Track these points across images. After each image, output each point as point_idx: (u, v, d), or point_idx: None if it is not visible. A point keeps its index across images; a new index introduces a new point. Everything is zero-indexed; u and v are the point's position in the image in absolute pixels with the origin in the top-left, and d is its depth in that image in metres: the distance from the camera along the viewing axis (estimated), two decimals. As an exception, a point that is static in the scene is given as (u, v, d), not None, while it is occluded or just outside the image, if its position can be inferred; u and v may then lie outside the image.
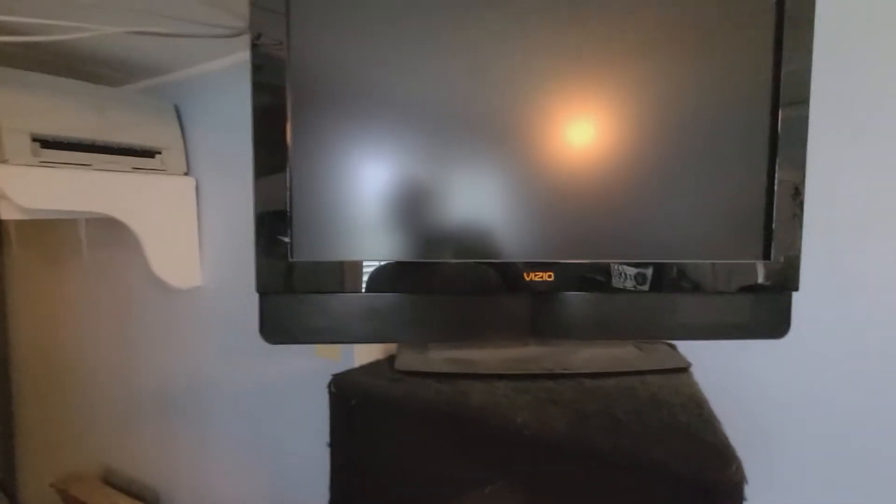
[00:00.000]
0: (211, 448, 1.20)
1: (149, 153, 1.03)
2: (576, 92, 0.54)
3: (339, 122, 0.53)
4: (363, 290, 0.53)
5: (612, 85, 0.55)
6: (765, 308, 0.57)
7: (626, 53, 0.55)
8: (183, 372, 1.22)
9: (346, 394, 0.49)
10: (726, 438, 0.37)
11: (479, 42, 0.54)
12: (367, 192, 0.53)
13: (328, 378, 0.53)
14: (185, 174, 1.11)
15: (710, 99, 0.56)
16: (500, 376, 0.49)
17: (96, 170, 0.92)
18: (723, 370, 0.65)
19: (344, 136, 0.53)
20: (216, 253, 1.11)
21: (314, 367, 0.99)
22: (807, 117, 0.55)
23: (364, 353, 0.69)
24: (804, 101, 0.55)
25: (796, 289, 0.56)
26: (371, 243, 0.53)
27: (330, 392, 0.49)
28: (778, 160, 0.55)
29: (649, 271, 0.55)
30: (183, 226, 1.08)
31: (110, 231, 1.21)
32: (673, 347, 0.61)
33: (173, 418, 1.26)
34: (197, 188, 1.11)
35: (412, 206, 0.53)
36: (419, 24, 0.53)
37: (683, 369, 0.51)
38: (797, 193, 0.56)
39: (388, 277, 0.53)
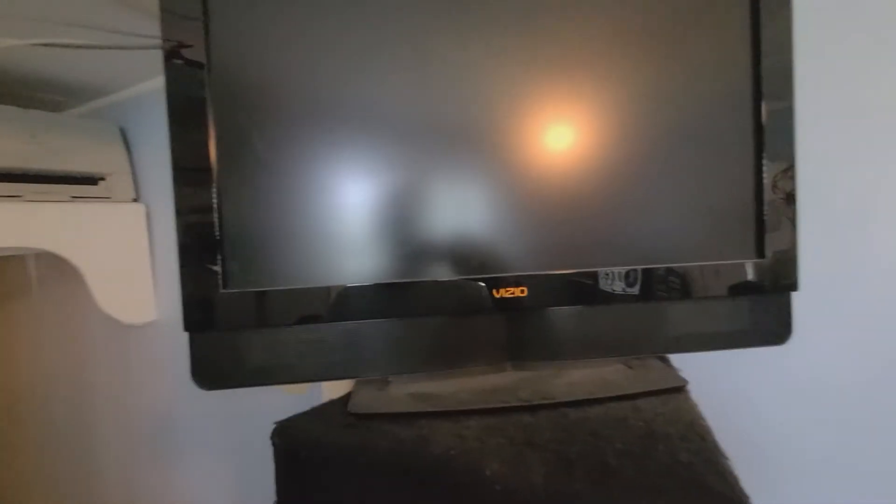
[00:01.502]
0: (177, 489, 1.11)
1: (90, 180, 0.95)
2: (540, 93, 0.48)
3: (274, 136, 0.46)
4: (310, 322, 0.46)
5: (580, 84, 0.49)
6: (763, 312, 0.52)
7: (596, 54, 0.49)
8: (144, 412, 1.12)
9: (292, 445, 0.42)
10: (736, 481, 0.31)
11: (426, 44, 0.48)
12: (307, 211, 0.46)
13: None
14: (134, 200, 1.03)
15: (688, 93, 0.50)
16: (470, 412, 0.42)
17: (28, 201, 0.83)
18: (717, 381, 0.58)
19: (278, 151, 0.46)
20: (172, 284, 1.02)
21: (284, 402, 0.91)
22: (791, 109, 0.50)
23: (334, 385, 0.62)
24: (787, 93, 0.50)
25: (795, 288, 0.51)
26: (316, 268, 0.47)
27: (273, 443, 0.42)
28: (764, 153, 0.50)
29: (633, 278, 0.49)
30: (133, 257, 1.00)
31: (60, 266, 1.12)
32: (665, 361, 0.55)
33: (135, 460, 1.17)
34: (148, 215, 1.03)
35: (356, 224, 0.47)
36: (359, 26, 0.47)
37: (679, 388, 0.45)
38: (787, 187, 0.50)
39: (336, 305, 0.46)
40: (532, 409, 0.42)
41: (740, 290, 0.50)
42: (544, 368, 0.50)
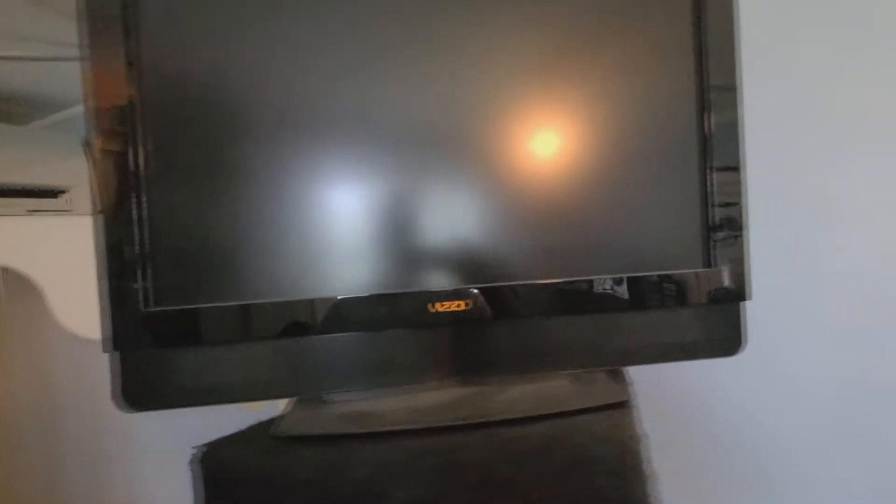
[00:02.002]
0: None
1: (50, 193, 0.93)
2: (476, 103, 0.47)
3: (203, 146, 0.45)
4: (241, 341, 0.45)
5: (526, 100, 0.48)
6: (713, 323, 0.50)
7: (540, 71, 0.48)
8: (111, 431, 1.10)
9: (212, 471, 0.40)
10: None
11: (363, 43, 0.46)
12: (236, 226, 0.45)
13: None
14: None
15: (633, 105, 0.49)
16: (401, 433, 0.40)
17: (-18, 215, 0.81)
18: (672, 389, 0.56)
19: (207, 165, 0.45)
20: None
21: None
22: (735, 118, 0.49)
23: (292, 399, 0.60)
24: (731, 102, 0.49)
25: (744, 298, 0.50)
26: (249, 284, 0.45)
27: (192, 470, 0.40)
28: (710, 162, 0.49)
29: (577, 291, 0.48)
30: (94, 271, 0.98)
31: (25, 282, 1.10)
32: (617, 372, 0.54)
33: (104, 477, 1.13)
34: (111, 228, 1.01)
35: (290, 238, 0.45)
36: (296, 29, 0.46)
37: (622, 404, 0.44)
38: (735, 195, 0.49)
39: (268, 322, 0.44)
40: (466, 428, 0.40)
41: (688, 300, 0.49)
42: (489, 385, 0.48)
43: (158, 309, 0.43)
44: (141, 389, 0.45)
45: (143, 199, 0.44)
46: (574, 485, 0.31)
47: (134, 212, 0.44)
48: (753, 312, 0.50)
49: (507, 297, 0.47)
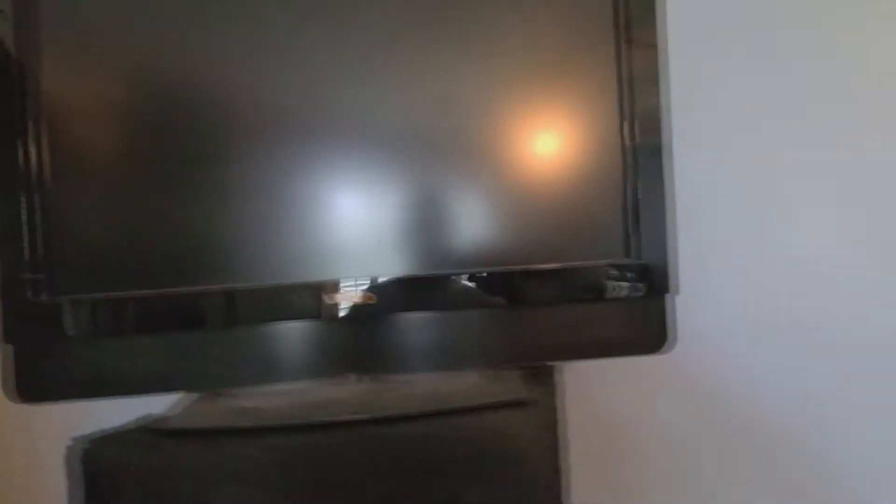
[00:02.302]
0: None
1: None
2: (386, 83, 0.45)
3: (98, 143, 0.44)
4: (133, 332, 0.44)
5: (436, 76, 0.45)
6: (635, 318, 0.47)
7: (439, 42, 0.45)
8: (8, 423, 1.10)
9: (92, 467, 0.39)
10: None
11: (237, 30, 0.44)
12: (128, 217, 0.43)
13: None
14: None
15: (549, 78, 0.46)
16: (281, 429, 0.39)
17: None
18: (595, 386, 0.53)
19: (101, 158, 0.43)
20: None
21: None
22: (657, 101, 0.45)
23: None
24: (654, 86, 0.45)
25: (668, 290, 0.46)
26: (139, 274, 0.43)
27: (67, 466, 0.39)
28: (632, 149, 0.45)
29: (486, 283, 0.46)
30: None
31: None
32: (542, 371, 0.51)
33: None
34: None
35: (180, 228, 0.44)
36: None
37: (520, 403, 0.41)
38: (658, 182, 0.46)
39: (161, 313, 0.43)
40: (345, 425, 0.38)
41: (608, 293, 0.46)
42: (394, 381, 0.46)
43: (49, 300, 0.43)
44: (34, 382, 0.44)
45: (36, 194, 0.42)
46: (435, 493, 0.29)
47: (25, 207, 0.42)
48: (687, 309, 0.47)
49: (409, 289, 0.45)
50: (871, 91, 0.50)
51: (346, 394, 0.44)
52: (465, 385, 0.45)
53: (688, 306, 0.47)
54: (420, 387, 0.45)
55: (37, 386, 0.44)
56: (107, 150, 0.44)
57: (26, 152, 0.42)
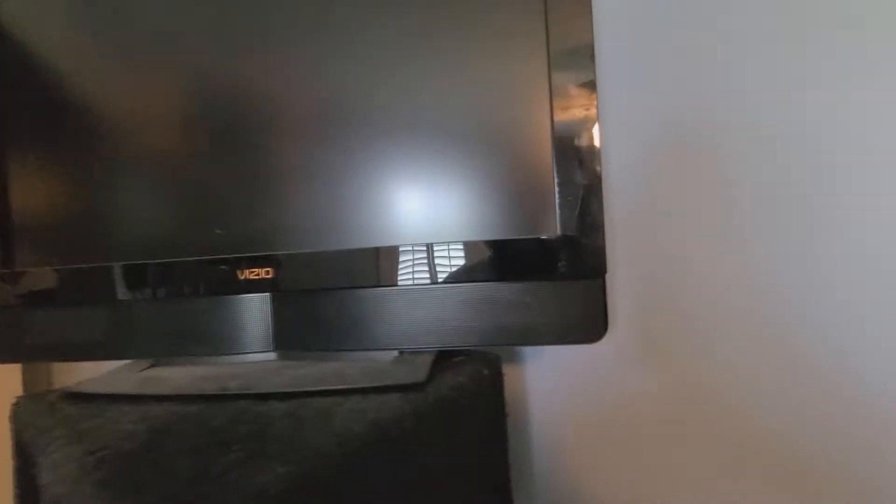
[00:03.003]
0: None
1: None
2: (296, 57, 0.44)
3: (41, 124, 0.47)
4: (76, 303, 0.46)
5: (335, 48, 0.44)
6: (566, 302, 0.42)
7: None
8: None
9: (17, 423, 0.42)
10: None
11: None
12: (64, 194, 0.47)
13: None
14: None
15: (477, 49, 0.43)
16: (168, 398, 0.39)
17: None
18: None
19: (44, 137, 0.47)
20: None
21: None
22: (590, 66, 0.40)
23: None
24: (587, 61, 0.40)
25: (602, 272, 0.41)
26: (78, 249, 0.46)
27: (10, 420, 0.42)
28: (557, 115, 0.40)
29: (400, 260, 0.43)
30: None
31: None
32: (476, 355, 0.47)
33: None
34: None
35: (102, 204, 0.46)
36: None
37: (413, 385, 0.38)
38: (588, 151, 0.40)
39: (82, 286, 0.46)
40: (233, 398, 0.38)
41: (534, 272, 0.41)
42: (307, 359, 0.45)
43: (7, 270, 0.47)
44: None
45: None
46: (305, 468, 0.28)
47: None
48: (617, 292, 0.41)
49: (323, 264, 0.44)
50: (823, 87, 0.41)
51: (250, 371, 0.44)
52: (371, 367, 0.43)
53: (617, 289, 0.41)
54: (318, 367, 0.43)
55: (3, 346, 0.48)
56: (58, 121, 0.47)
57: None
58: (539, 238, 0.41)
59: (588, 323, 0.42)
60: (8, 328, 0.48)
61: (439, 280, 0.43)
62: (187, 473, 0.27)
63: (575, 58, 0.41)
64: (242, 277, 0.44)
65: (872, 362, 0.39)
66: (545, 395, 0.52)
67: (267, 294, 0.44)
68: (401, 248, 0.43)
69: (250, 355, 0.46)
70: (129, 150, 0.46)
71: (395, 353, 0.45)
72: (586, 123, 0.41)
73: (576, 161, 0.41)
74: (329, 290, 0.44)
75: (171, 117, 0.46)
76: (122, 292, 0.46)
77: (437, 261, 0.43)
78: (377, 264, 0.44)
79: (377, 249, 0.43)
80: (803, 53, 0.41)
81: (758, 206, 0.43)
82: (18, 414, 0.42)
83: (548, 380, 0.51)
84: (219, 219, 0.45)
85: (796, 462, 0.42)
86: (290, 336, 0.45)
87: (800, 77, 0.41)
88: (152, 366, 0.47)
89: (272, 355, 0.46)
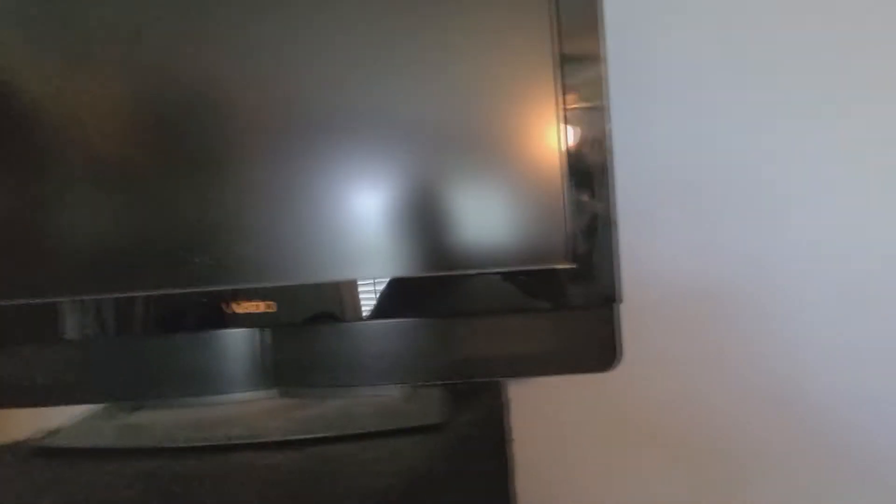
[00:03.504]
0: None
1: None
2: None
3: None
4: (35, 341, 0.41)
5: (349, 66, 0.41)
6: (581, 331, 0.41)
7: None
8: None
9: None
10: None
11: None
12: (29, 220, 0.42)
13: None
14: None
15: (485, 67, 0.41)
16: (157, 451, 0.35)
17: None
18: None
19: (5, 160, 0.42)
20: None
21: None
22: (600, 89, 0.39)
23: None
24: (598, 86, 0.39)
25: (615, 299, 0.40)
26: (37, 279, 0.41)
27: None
28: (569, 143, 0.40)
29: (408, 291, 0.41)
30: None
31: None
32: (485, 387, 0.46)
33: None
34: None
35: (75, 233, 0.41)
36: None
37: (433, 427, 0.36)
38: (602, 182, 0.40)
39: (53, 321, 0.41)
40: (227, 449, 0.35)
41: (546, 302, 0.40)
42: (309, 398, 0.42)
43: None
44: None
45: None
46: None
47: None
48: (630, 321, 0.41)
49: (324, 297, 0.41)
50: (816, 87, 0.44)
51: (246, 412, 0.41)
52: (382, 404, 0.41)
53: (631, 317, 0.41)
54: (330, 406, 0.40)
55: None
56: (12, 160, 0.42)
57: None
58: (552, 268, 0.40)
59: (601, 352, 0.41)
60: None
61: (449, 313, 0.41)
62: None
63: (586, 82, 0.40)
64: (232, 311, 0.40)
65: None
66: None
67: (267, 328, 0.41)
68: (415, 279, 0.40)
69: (235, 395, 0.43)
70: (82, 165, 0.41)
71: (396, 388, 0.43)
72: (598, 151, 0.40)
73: (588, 189, 0.40)
74: (331, 322, 0.42)
75: (136, 127, 0.42)
76: (87, 328, 0.41)
77: (446, 293, 0.41)
78: (384, 296, 0.41)
79: (383, 281, 0.41)
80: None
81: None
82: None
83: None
84: (202, 246, 0.41)
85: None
86: (295, 374, 0.42)
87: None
88: (131, 411, 0.43)
89: (260, 394, 0.43)
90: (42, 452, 0.36)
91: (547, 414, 0.48)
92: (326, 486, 0.30)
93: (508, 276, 0.40)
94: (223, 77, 0.41)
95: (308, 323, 0.41)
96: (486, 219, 0.41)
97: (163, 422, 0.40)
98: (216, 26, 0.41)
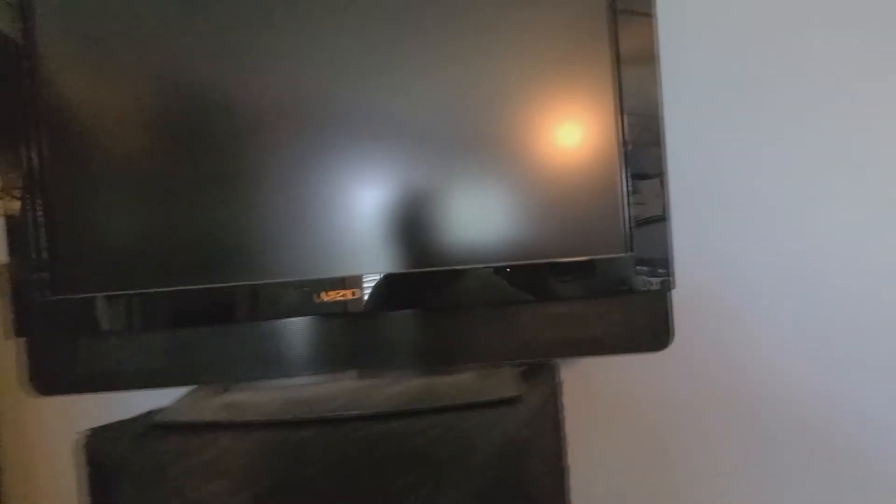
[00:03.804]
0: None
1: None
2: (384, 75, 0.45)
3: (97, 148, 0.45)
4: (135, 328, 0.45)
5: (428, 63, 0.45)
6: (636, 314, 0.45)
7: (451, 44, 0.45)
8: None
9: (93, 457, 0.40)
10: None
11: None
12: (129, 217, 0.45)
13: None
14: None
15: (547, 69, 0.45)
16: (263, 424, 0.39)
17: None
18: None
19: (101, 162, 0.45)
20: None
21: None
22: (655, 95, 0.43)
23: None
24: (652, 80, 0.43)
25: (669, 287, 0.44)
26: (141, 272, 0.45)
27: (75, 457, 0.41)
28: (628, 139, 0.43)
29: (484, 278, 0.45)
30: None
31: None
32: (541, 367, 0.50)
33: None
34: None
35: (176, 229, 0.45)
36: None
37: (510, 400, 0.40)
38: (657, 175, 0.44)
39: (160, 311, 0.44)
40: (330, 421, 0.38)
41: (607, 289, 0.44)
42: (388, 378, 0.46)
43: (59, 298, 0.44)
44: (46, 375, 0.46)
45: (39, 199, 0.44)
46: (409, 485, 0.29)
47: (34, 207, 0.44)
48: (681, 305, 0.45)
49: (402, 286, 0.45)
50: (866, 86, 0.49)
51: (338, 390, 0.45)
52: (458, 382, 0.45)
53: (684, 302, 0.45)
54: (409, 384, 0.44)
55: (49, 379, 0.46)
56: (112, 149, 0.45)
57: (33, 153, 0.44)
58: (611, 257, 0.44)
59: (655, 333, 0.45)
60: (64, 357, 0.46)
61: (519, 299, 0.45)
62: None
63: (642, 79, 0.44)
64: (320, 300, 0.44)
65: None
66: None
67: (350, 315, 0.45)
68: (485, 269, 0.44)
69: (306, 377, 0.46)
70: (175, 168, 0.45)
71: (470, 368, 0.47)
72: (654, 147, 0.44)
73: (644, 184, 0.44)
74: (407, 310, 0.45)
75: (253, 137, 0.45)
76: (194, 318, 0.45)
77: (516, 281, 0.44)
78: (465, 284, 0.44)
79: (466, 270, 0.44)
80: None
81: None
82: (91, 445, 0.41)
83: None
84: (297, 238, 0.45)
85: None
86: (375, 356, 0.46)
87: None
88: (220, 392, 0.46)
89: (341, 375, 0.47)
90: (161, 427, 0.40)
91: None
92: (431, 452, 0.34)
93: (575, 266, 0.44)
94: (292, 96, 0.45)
95: (390, 310, 0.45)
96: (554, 213, 0.45)
97: (257, 401, 0.44)
98: (257, 47, 0.44)
